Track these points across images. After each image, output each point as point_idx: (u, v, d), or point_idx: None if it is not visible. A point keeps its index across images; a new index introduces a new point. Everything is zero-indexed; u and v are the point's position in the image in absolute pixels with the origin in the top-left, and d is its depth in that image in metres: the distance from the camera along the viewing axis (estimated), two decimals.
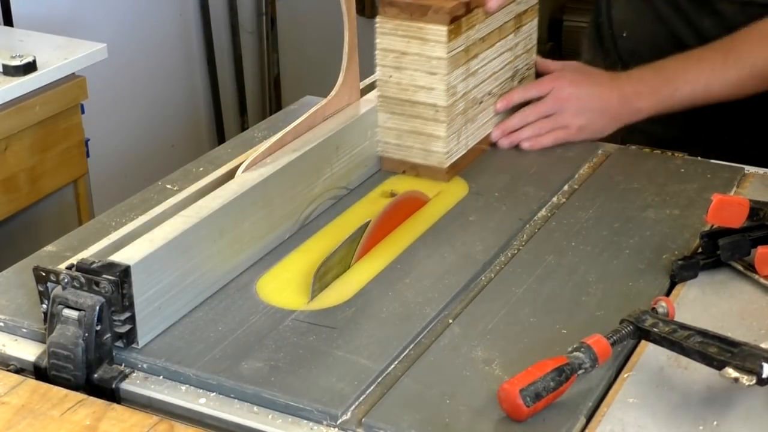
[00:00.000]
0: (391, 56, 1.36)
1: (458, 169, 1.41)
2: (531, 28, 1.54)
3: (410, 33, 1.33)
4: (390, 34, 1.35)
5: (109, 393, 1.01)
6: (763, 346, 0.96)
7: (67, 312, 1.02)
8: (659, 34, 1.58)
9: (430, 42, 1.32)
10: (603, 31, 1.70)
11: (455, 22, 1.33)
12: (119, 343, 1.04)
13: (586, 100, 1.48)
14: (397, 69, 1.36)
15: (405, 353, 1.06)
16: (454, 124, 1.38)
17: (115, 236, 1.10)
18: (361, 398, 0.99)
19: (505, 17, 1.46)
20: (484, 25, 1.41)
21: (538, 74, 1.57)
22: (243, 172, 1.21)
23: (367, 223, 1.21)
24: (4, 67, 2.14)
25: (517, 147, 1.49)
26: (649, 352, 1.04)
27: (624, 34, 1.65)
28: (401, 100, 1.37)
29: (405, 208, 1.30)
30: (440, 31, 1.31)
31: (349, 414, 0.97)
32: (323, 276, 1.14)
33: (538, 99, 1.49)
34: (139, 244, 1.07)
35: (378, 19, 1.34)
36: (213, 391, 1.01)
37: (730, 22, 1.49)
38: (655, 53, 1.54)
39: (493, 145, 1.49)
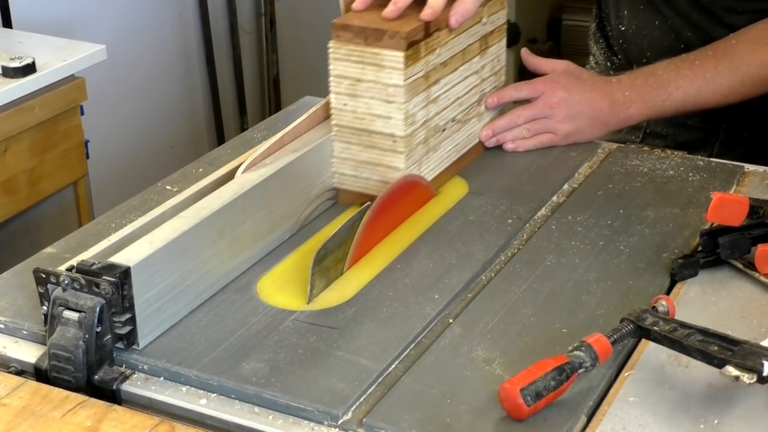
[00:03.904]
0: (345, 83, 1.27)
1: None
2: (499, 49, 1.48)
3: (365, 59, 1.25)
4: (344, 60, 1.26)
5: (109, 394, 1.01)
6: (763, 344, 0.96)
7: (67, 313, 1.02)
8: (669, 44, 1.56)
9: (386, 68, 1.24)
10: (610, 39, 1.69)
11: (413, 47, 1.25)
12: (120, 345, 1.04)
13: (576, 106, 1.46)
14: (352, 97, 1.28)
15: (405, 353, 1.06)
16: (414, 155, 1.30)
17: (115, 237, 1.10)
18: (362, 398, 0.99)
19: (468, 39, 1.38)
20: (446, 49, 1.33)
21: (527, 72, 1.56)
22: (243, 172, 1.21)
23: (368, 206, 1.20)
24: (4, 68, 2.14)
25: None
26: (649, 350, 1.04)
27: (630, 45, 1.63)
28: (357, 130, 1.29)
29: (406, 192, 1.29)
30: (397, 57, 1.23)
31: (349, 414, 0.97)
32: (322, 259, 1.14)
33: (527, 100, 1.49)
34: (139, 245, 1.07)
35: (331, 44, 1.26)
36: (214, 392, 1.01)
37: None
38: (662, 59, 1.55)
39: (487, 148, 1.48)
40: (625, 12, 1.62)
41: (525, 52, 1.54)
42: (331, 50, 1.26)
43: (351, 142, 1.30)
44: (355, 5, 1.28)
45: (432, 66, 1.30)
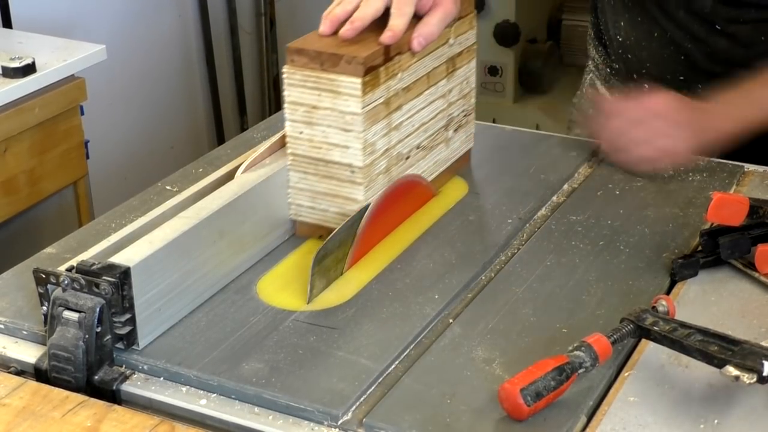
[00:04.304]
0: (301, 110, 1.19)
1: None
2: (468, 70, 1.39)
3: (321, 85, 1.17)
4: (299, 86, 1.18)
5: (109, 394, 1.01)
6: (763, 343, 0.96)
7: (67, 314, 1.02)
8: (669, 55, 1.55)
9: (342, 95, 1.16)
10: (608, 48, 1.66)
11: (372, 72, 1.17)
12: (120, 345, 1.04)
13: (692, 122, 1.38)
14: (308, 124, 1.19)
15: (405, 353, 1.06)
16: (374, 186, 1.22)
17: (114, 238, 1.10)
18: (362, 398, 0.99)
19: (434, 62, 1.29)
20: (409, 73, 1.24)
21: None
22: (242, 172, 1.21)
23: (367, 206, 1.20)
24: (4, 68, 2.14)
25: (514, 145, 1.50)
26: (649, 350, 1.04)
27: (629, 56, 1.60)
28: (314, 159, 1.21)
29: (406, 192, 1.29)
30: (354, 83, 1.15)
31: (349, 414, 0.97)
32: (322, 259, 1.14)
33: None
34: (139, 245, 1.07)
35: (285, 68, 1.18)
36: (214, 392, 1.01)
37: (745, 41, 1.48)
38: (664, 71, 1.54)
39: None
40: (622, 23, 1.59)
41: (599, 98, 1.44)
42: (285, 75, 1.19)
43: (308, 172, 1.22)
44: (321, 29, 1.21)
45: (393, 91, 1.22)
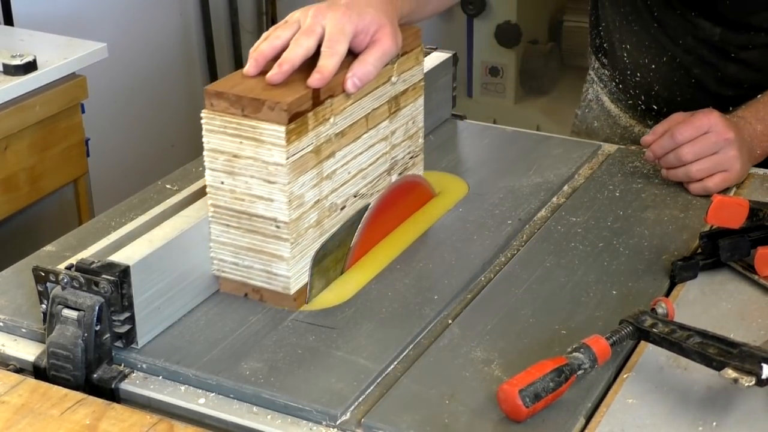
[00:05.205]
0: (221, 159, 1.09)
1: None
2: (414, 109, 1.28)
3: (242, 132, 1.07)
4: (219, 133, 1.08)
5: (108, 393, 1.01)
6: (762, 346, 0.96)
7: (66, 312, 1.02)
8: (678, 79, 1.54)
9: (265, 144, 1.06)
10: (615, 71, 1.65)
11: (298, 118, 1.06)
12: (119, 343, 1.04)
13: (744, 139, 1.36)
14: (230, 174, 1.09)
15: (404, 354, 1.06)
16: (303, 241, 1.12)
17: (114, 236, 1.10)
18: (361, 398, 0.99)
19: (373, 103, 1.19)
20: (343, 117, 1.14)
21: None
22: None
23: (367, 206, 1.20)
24: (5, 66, 2.14)
25: (515, 146, 1.50)
26: (648, 352, 1.04)
27: (637, 77, 1.59)
28: (237, 212, 1.10)
29: (406, 192, 1.29)
30: (277, 131, 1.05)
31: (348, 414, 0.97)
32: (321, 259, 1.14)
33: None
34: (138, 244, 1.07)
35: (203, 113, 1.08)
36: (212, 391, 1.01)
37: (757, 66, 1.48)
38: (673, 94, 1.54)
39: None
40: (629, 46, 1.58)
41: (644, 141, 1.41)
42: (204, 121, 1.08)
43: (230, 225, 1.12)
44: (246, 69, 1.12)
45: (325, 138, 1.11)
